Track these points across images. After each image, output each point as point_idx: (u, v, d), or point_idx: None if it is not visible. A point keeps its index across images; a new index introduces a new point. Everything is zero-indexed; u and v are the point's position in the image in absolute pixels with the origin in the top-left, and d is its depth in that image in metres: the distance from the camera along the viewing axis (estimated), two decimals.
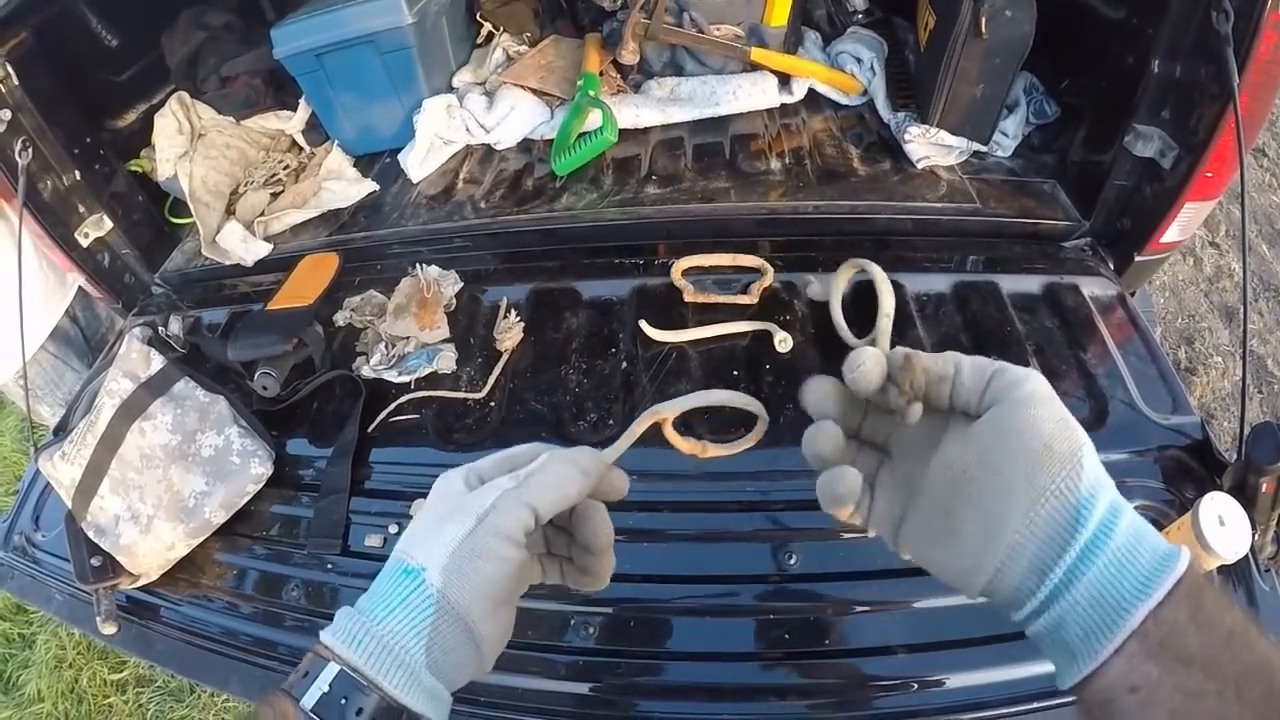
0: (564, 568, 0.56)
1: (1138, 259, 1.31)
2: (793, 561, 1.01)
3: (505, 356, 1.29)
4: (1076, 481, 0.42)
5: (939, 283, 1.30)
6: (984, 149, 1.49)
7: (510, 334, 1.30)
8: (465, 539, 0.47)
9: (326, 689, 0.44)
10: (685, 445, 0.57)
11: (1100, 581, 0.41)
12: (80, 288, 1.79)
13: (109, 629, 1.15)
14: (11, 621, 2.24)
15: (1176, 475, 1.05)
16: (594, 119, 1.61)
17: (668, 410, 0.54)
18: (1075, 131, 1.43)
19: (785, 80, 1.71)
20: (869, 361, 0.47)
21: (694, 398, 0.55)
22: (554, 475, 0.49)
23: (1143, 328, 1.23)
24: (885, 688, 0.93)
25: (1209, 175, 1.15)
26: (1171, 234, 1.25)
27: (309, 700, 0.44)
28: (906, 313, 1.25)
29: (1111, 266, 1.34)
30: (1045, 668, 0.89)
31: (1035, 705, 0.89)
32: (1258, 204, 2.85)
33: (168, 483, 1.20)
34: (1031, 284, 1.29)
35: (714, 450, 0.58)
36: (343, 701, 0.44)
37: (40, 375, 1.84)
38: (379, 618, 0.46)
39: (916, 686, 0.92)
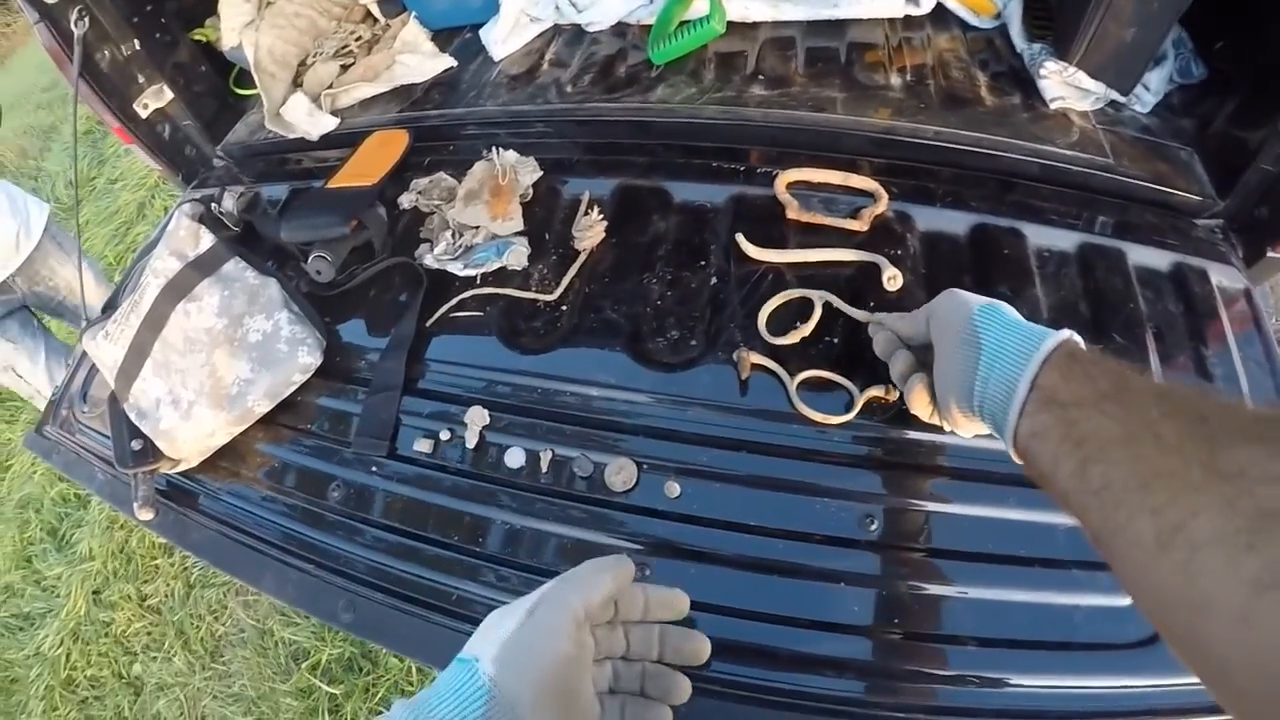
0: (625, 707, 0.59)
1: (1270, 254, 1.11)
2: (873, 527, 0.87)
3: (583, 257, 1.15)
4: (974, 331, 0.67)
5: (1062, 240, 1.11)
6: (1122, 100, 1.26)
7: (591, 233, 1.15)
8: (516, 631, 0.51)
9: None
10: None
11: (998, 376, 0.62)
12: None
13: (146, 515, 1.10)
14: (69, 481, 2.25)
15: None
16: (699, 6, 1.42)
17: None
18: (1223, 100, 1.20)
19: None
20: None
21: None
22: (590, 569, 0.56)
23: (1266, 332, 1.03)
24: (944, 679, 0.80)
25: None
26: None
27: None
28: (1025, 267, 1.07)
29: (1241, 256, 1.13)
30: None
31: None
32: None
33: (211, 368, 1.11)
34: (1159, 260, 1.09)
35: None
36: None
37: None
38: (430, 706, 0.48)
39: (978, 683, 0.79)
